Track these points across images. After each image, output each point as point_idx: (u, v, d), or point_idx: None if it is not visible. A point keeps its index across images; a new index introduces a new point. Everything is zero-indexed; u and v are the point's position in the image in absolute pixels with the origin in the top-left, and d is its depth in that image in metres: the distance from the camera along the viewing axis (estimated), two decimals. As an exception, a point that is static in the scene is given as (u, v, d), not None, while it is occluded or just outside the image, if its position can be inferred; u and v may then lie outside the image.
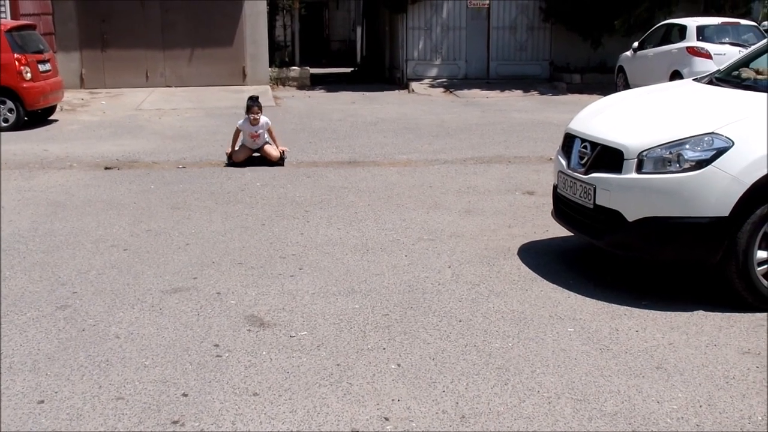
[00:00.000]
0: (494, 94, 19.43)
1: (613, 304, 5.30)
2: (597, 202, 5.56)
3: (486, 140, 12.46)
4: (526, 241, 6.81)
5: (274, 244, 6.77)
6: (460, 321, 5.04)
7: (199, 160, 10.76)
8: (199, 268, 6.10)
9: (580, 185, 5.74)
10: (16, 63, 13.60)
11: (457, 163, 10.52)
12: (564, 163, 6.07)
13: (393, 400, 4.00)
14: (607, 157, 5.55)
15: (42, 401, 4.00)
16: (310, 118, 15.42)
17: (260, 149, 10.40)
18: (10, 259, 6.35)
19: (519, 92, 19.80)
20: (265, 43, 21.15)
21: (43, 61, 14.46)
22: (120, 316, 5.12)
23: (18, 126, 13.69)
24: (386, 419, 3.81)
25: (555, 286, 5.70)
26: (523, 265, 6.19)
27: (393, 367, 4.39)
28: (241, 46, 20.78)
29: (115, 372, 4.32)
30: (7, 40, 13.60)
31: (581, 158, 5.82)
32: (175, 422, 3.78)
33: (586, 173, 5.70)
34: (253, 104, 10.38)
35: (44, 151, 11.60)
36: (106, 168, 10.29)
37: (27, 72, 13.75)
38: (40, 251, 6.56)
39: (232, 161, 10.31)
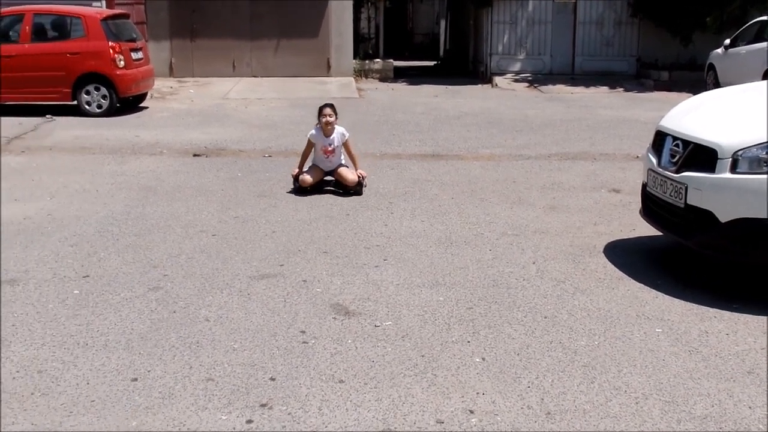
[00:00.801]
0: (579, 90, 19.17)
1: (702, 306, 5.20)
2: (688, 202, 5.46)
3: (571, 136, 12.31)
4: (612, 239, 6.72)
5: (359, 234, 6.83)
6: (545, 317, 5.02)
7: (285, 150, 10.91)
8: (285, 255, 6.20)
9: (671, 184, 5.64)
10: (111, 51, 14.01)
11: (541, 158, 10.43)
12: (654, 161, 5.97)
13: (478, 393, 4.01)
14: (700, 156, 5.43)
15: (135, 379, 4.13)
16: (393, 110, 15.47)
17: (334, 171, 8.42)
18: (104, 240, 6.55)
19: (604, 88, 19.49)
20: (350, 35, 21.29)
21: (136, 50, 14.86)
22: (209, 300, 5.24)
23: (111, 112, 14.10)
24: (471, 412, 3.82)
25: (642, 285, 5.61)
26: (609, 263, 6.11)
27: (477, 360, 4.39)
28: (327, 38, 20.97)
29: (205, 354, 4.43)
30: (102, 28, 14.02)
31: (673, 156, 5.72)
32: (263, 405, 3.86)
33: (677, 172, 5.59)
34: (327, 106, 8.51)
35: (135, 137, 11.91)
36: (195, 155, 10.51)
37: (120, 60, 14.14)
38: (132, 234, 6.76)
39: (299, 185, 8.27)
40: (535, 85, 20.05)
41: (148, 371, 4.21)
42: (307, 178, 8.19)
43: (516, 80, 21.00)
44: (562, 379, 4.17)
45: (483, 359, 4.40)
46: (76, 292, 5.37)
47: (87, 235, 6.69)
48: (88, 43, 13.99)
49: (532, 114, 14.94)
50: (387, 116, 14.57)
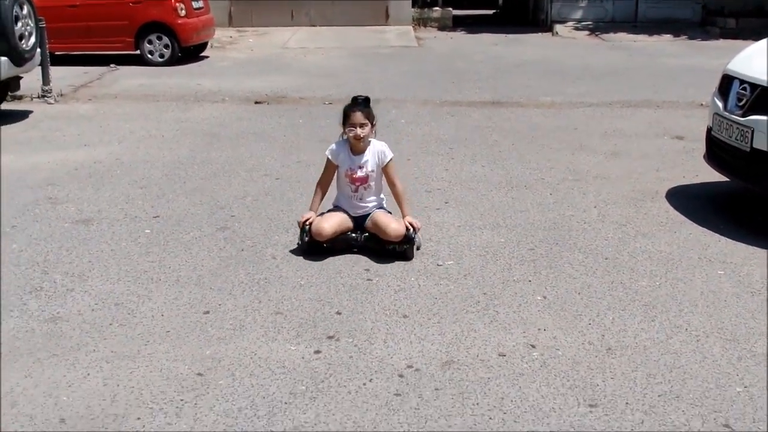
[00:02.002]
0: (642, 38, 18.79)
1: (765, 250, 5.17)
2: (754, 146, 5.40)
3: (633, 84, 12.13)
4: (674, 185, 6.68)
5: (420, 178, 6.89)
6: (606, 258, 5.05)
7: (344, 97, 10.88)
8: (348, 198, 6.30)
9: (737, 128, 5.58)
10: (172, 0, 14.14)
11: (602, 106, 10.32)
12: (720, 105, 5.90)
13: (539, 329, 4.08)
14: (768, 100, 5.37)
15: (207, 312, 4.29)
16: (452, 58, 15.38)
17: (367, 219, 5.14)
18: (172, 183, 6.73)
19: (668, 36, 19.07)
20: (409, -17, 21.12)
21: (197, -1, 14.98)
22: (276, 239, 5.38)
23: (172, 61, 14.30)
24: (533, 346, 3.90)
25: (704, 229, 5.60)
26: (671, 208, 6.09)
27: (539, 298, 4.46)
28: (385, -14, 20.84)
29: (273, 289, 4.57)
30: (164, -23, 14.16)
31: (739, 100, 5.65)
32: (330, 337, 3.99)
33: (743, 116, 5.53)
34: (356, 108, 5.08)
35: (197, 85, 12.08)
36: (256, 102, 10.64)
37: (182, 9, 14.29)
38: (198, 177, 6.92)
39: (311, 237, 5.00)
40: (597, 33, 19.71)
41: (219, 305, 4.37)
42: (324, 228, 4.95)
43: (577, 28, 20.65)
44: (622, 317, 4.22)
45: (544, 297, 4.47)
46: (147, 231, 5.55)
47: (155, 178, 6.87)
48: (151, -8, 14.17)
49: (594, 62, 14.73)
50: (446, 65, 14.50)
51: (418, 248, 5.06)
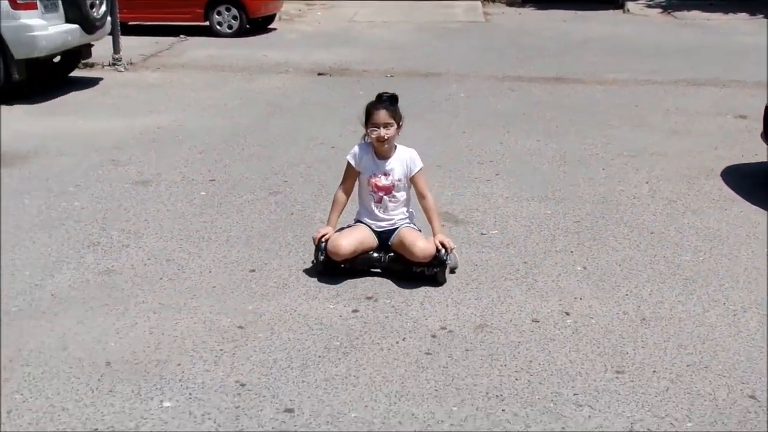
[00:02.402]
0: (716, 17, 18.34)
1: (817, 230, 5.11)
2: (811, 124, 5.32)
3: (702, 63, 11.89)
4: (731, 164, 6.60)
5: (473, 150, 6.94)
6: (652, 233, 5.05)
7: (407, 71, 11.03)
8: (399, 167, 6.38)
9: (795, 105, 5.49)
10: (242, -28, 14.34)
11: (668, 84, 10.17)
12: (779, 82, 5.81)
13: (575, 298, 4.13)
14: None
15: (253, 270, 4.44)
16: (519, 34, 15.27)
17: (393, 236, 4.42)
18: (230, 150, 6.91)
19: (744, 15, 18.56)
20: (479, -42, 20.94)
21: (266, -29, 15.14)
22: (325, 205, 5.46)
23: (240, 33, 14.51)
24: (567, 314, 3.95)
25: (757, 208, 5.54)
26: (725, 185, 6.03)
27: (579, 269, 4.50)
28: (454, -39, 20.71)
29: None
30: (235, -51, 14.34)
31: (798, 77, 5.55)
32: (369, 298, 4.11)
33: (802, 93, 5.44)
34: (381, 106, 4.37)
35: (264, 56, 12.26)
36: (319, 74, 10.77)
37: (251, -19, 14.46)
38: (256, 145, 7.09)
39: (326, 257, 4.33)
40: (670, 11, 19.30)
41: (265, 264, 4.52)
42: (341, 246, 4.28)
43: (649, 6, 20.24)
44: (661, 289, 4.23)
45: (584, 268, 4.50)
46: (202, 193, 5.74)
47: (214, 145, 7.06)
48: (221, -36, 14.38)
49: (664, 40, 14.46)
50: (512, 40, 14.41)
51: (453, 271, 4.39)
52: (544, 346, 3.62)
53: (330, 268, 4.34)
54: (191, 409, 3.09)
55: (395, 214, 4.45)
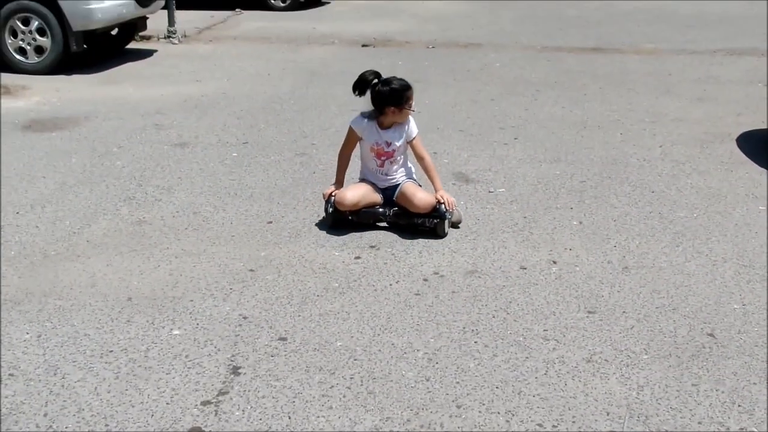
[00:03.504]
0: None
1: (817, 190, 5.28)
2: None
3: (744, 32, 11.87)
4: (749, 129, 6.74)
5: (497, 116, 7.21)
6: (653, 192, 5.28)
7: (448, 42, 11.28)
8: (423, 132, 6.62)
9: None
10: (294, -54, 14.68)
11: (704, 53, 10.24)
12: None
13: (565, 249, 4.41)
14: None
15: (270, 222, 4.82)
16: (564, 6, 15.31)
17: (396, 191, 4.83)
18: (266, 115, 7.30)
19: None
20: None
21: (318, -55, 15.45)
22: (346, 165, 5.85)
23: (294, 6, 14.86)
24: (554, 263, 4.24)
25: (763, 170, 5.71)
26: (738, 149, 6.20)
27: (575, 223, 4.77)
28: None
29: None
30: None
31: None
32: (372, 246, 4.45)
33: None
34: (412, 91, 4.82)
35: (312, 29, 12.62)
36: (363, 45, 11.09)
37: (302, -45, 14.79)
38: (292, 110, 7.47)
39: (335, 209, 4.74)
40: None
41: (282, 216, 4.90)
42: (346, 197, 4.71)
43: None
44: (649, 242, 4.49)
45: (580, 223, 4.78)
46: (234, 154, 6.14)
47: (252, 110, 7.46)
48: (274, -61, 14.73)
49: (709, 9, 14.39)
50: (556, 11, 14.50)
51: (456, 226, 4.74)
52: (525, 290, 3.93)
53: (339, 221, 4.74)
54: (196, 336, 3.49)
55: (396, 173, 4.87)
